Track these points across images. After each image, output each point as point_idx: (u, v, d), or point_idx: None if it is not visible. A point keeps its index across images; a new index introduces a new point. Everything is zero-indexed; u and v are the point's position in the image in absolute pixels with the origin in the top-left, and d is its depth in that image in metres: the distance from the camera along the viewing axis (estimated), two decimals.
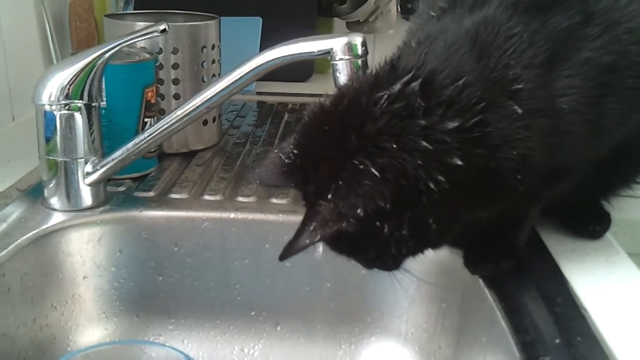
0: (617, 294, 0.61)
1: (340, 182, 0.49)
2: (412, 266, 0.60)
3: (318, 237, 0.50)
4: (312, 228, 0.50)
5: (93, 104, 0.76)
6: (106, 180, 0.80)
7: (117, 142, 0.77)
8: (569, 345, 0.54)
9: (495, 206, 0.57)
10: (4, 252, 0.68)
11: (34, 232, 0.73)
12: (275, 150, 0.57)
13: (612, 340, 0.54)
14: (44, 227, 0.74)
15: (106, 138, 0.79)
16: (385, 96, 0.50)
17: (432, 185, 0.49)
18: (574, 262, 0.66)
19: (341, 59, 0.58)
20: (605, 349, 0.54)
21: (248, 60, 0.66)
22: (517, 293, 0.62)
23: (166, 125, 0.73)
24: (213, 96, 0.69)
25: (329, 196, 0.49)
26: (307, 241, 0.50)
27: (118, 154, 0.76)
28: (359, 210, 0.48)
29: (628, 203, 0.73)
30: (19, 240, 0.71)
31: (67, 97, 0.73)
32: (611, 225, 0.72)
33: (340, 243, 0.55)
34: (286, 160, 0.54)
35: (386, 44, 0.75)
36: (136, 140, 0.75)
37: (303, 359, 0.82)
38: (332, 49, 0.59)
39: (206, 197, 0.83)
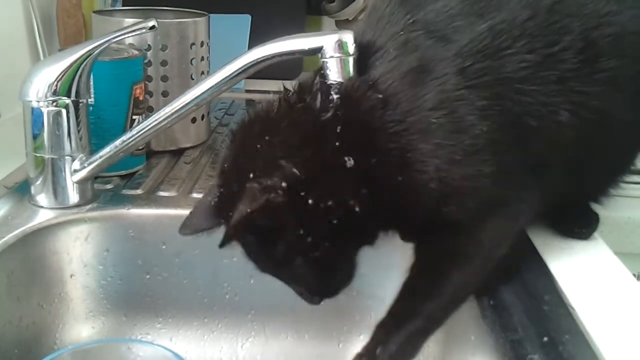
0: (605, 292, 0.62)
1: (259, 162, 0.54)
2: (400, 263, 0.60)
3: (249, 210, 0.51)
4: (242, 206, 0.51)
5: (81, 101, 0.75)
6: (94, 177, 0.79)
7: (105, 140, 0.77)
8: (557, 344, 0.54)
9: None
10: None
11: (20, 229, 0.72)
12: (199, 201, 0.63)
13: (600, 338, 0.54)
14: (31, 224, 0.74)
15: (94, 135, 0.79)
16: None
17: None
18: (562, 261, 0.66)
19: (332, 57, 0.57)
20: (592, 347, 0.54)
21: (237, 58, 0.65)
22: (505, 291, 0.62)
23: (154, 123, 0.72)
24: (202, 94, 0.69)
25: (251, 176, 0.53)
26: (239, 216, 0.51)
27: (106, 151, 0.75)
28: (283, 183, 0.52)
29: (615, 202, 0.73)
30: (5, 238, 0.70)
31: (54, 93, 0.73)
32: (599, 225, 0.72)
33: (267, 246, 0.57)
34: (212, 201, 0.59)
35: None
36: (124, 137, 0.74)
37: (291, 357, 0.81)
38: (322, 46, 0.58)
39: (194, 195, 0.83)
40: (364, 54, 0.58)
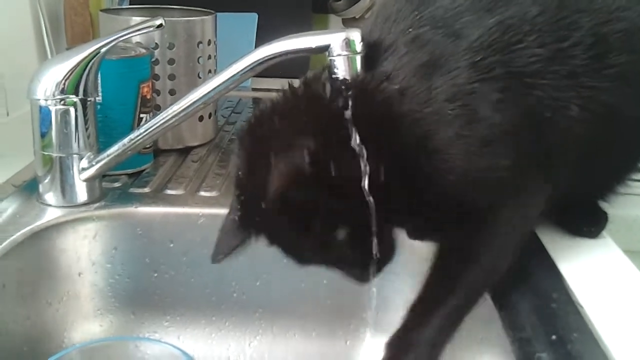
0: (613, 290, 0.62)
1: (277, 146, 0.53)
2: (406, 263, 0.60)
3: (282, 184, 0.51)
4: (274, 183, 0.51)
5: (88, 99, 0.75)
6: (101, 176, 0.80)
7: (112, 138, 0.77)
8: (565, 342, 0.54)
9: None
10: None
11: (28, 228, 0.73)
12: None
13: (608, 337, 0.54)
14: (39, 223, 0.74)
15: (102, 133, 0.79)
16: None
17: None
18: (570, 259, 0.66)
19: (339, 55, 0.57)
20: (601, 345, 0.54)
21: (245, 56, 0.65)
22: (513, 289, 0.62)
23: (162, 121, 0.72)
24: (209, 92, 0.69)
25: (273, 159, 0.52)
26: (273, 196, 0.51)
27: (113, 149, 0.75)
28: (306, 157, 0.51)
29: (623, 200, 0.73)
30: (13, 236, 0.71)
31: (62, 92, 0.73)
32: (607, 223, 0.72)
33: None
34: (235, 216, 0.58)
35: None
36: (132, 135, 0.74)
37: (299, 355, 0.81)
38: (329, 44, 0.58)
39: (202, 193, 0.83)
40: (373, 52, 0.58)
